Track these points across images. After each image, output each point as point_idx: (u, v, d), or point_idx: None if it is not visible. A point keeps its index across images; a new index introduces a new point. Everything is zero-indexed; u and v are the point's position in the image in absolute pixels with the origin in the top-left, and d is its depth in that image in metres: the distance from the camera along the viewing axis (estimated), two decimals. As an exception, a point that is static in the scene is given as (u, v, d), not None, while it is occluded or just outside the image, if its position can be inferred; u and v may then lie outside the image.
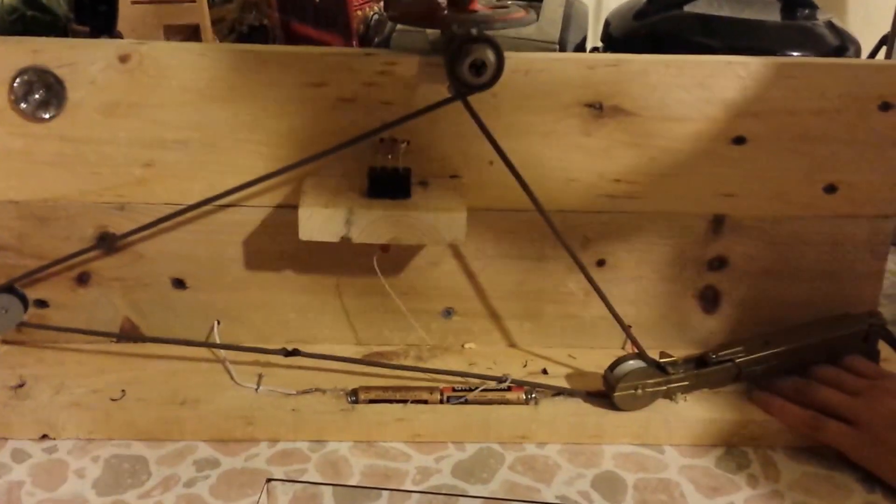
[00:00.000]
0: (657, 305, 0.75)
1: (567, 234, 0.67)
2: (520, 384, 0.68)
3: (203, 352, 0.73)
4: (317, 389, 0.68)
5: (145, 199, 0.70)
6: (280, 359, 0.70)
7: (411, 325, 0.74)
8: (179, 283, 0.73)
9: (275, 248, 0.72)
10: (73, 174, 0.69)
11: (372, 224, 0.64)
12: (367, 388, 0.67)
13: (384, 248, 0.69)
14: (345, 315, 0.74)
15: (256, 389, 0.68)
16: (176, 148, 0.68)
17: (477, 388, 0.68)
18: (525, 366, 0.72)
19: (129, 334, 0.74)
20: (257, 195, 0.69)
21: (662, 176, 0.70)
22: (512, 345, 0.76)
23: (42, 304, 0.73)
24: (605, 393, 0.67)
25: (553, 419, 0.66)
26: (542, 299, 0.74)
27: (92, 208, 0.70)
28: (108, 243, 0.70)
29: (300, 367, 0.70)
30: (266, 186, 0.68)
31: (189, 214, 0.69)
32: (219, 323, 0.74)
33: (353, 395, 0.67)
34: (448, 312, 0.74)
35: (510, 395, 0.67)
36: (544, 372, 0.71)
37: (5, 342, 0.73)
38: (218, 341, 0.73)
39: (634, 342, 0.67)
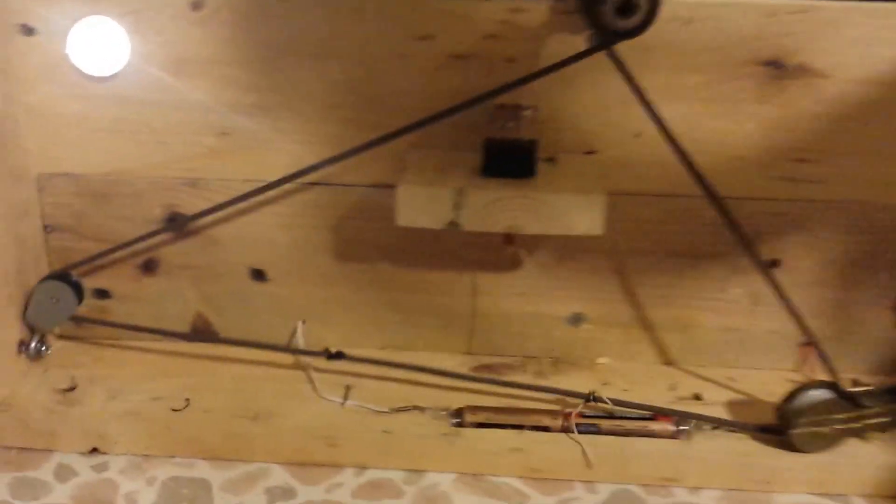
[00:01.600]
0: (842, 318, 0.68)
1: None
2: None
3: (283, 356, 0.69)
4: (414, 407, 0.63)
5: (220, 175, 0.65)
6: (371, 369, 0.65)
7: (529, 332, 0.68)
8: (258, 275, 0.69)
9: (369, 235, 0.67)
10: (137, 143, 0.66)
11: (486, 208, 0.58)
12: (475, 409, 0.62)
13: (508, 238, 0.62)
14: (450, 318, 0.69)
15: (343, 404, 0.63)
16: (255, 113, 0.64)
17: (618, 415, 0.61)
18: (673, 389, 0.66)
19: (200, 333, 0.69)
20: (349, 171, 0.64)
21: (856, 155, 0.62)
22: (657, 362, 0.70)
23: (103, 294, 0.70)
24: (778, 429, 0.60)
25: (710, 459, 0.60)
26: (697, 307, 0.68)
27: (159, 184, 0.66)
28: (178, 225, 0.66)
29: (394, 379, 0.65)
30: (360, 161, 0.62)
31: (270, 193, 0.64)
32: (304, 323, 0.69)
33: (458, 417, 0.62)
34: (576, 319, 0.68)
35: (655, 426, 0.62)
36: (697, 398, 0.65)
37: (61, 337, 0.70)
38: (301, 344, 0.68)
39: (828, 366, 0.60)
